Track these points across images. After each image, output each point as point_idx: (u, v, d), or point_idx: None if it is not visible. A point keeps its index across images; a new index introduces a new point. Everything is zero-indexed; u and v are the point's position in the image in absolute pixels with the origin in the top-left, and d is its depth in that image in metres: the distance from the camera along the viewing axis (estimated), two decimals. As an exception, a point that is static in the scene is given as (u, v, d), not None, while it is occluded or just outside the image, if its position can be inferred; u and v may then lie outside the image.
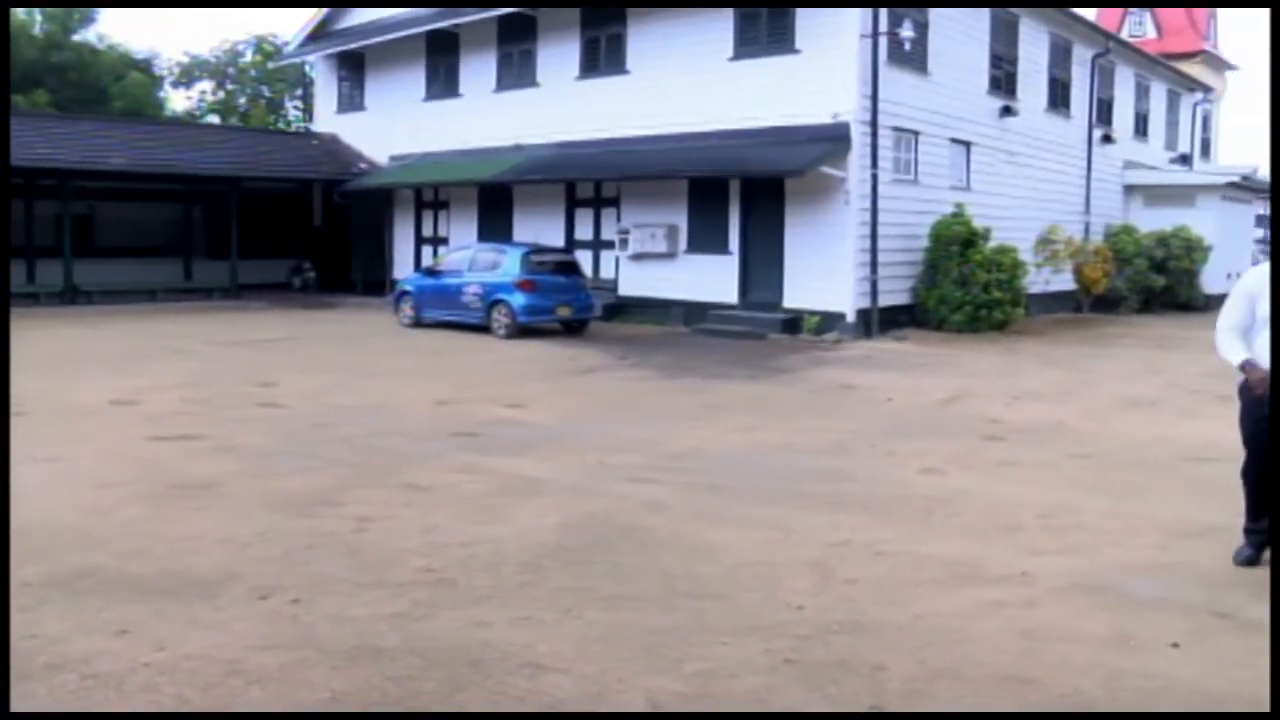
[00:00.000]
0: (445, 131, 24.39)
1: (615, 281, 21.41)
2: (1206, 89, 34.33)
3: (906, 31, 17.86)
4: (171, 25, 63.50)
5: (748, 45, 19.25)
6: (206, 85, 43.00)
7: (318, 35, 28.35)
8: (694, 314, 19.67)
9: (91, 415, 9.98)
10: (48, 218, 23.02)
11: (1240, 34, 64.53)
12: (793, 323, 18.39)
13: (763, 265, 19.20)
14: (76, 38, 36.92)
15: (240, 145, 27.47)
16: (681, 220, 20.37)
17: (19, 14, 33.89)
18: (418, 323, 19.48)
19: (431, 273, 19.91)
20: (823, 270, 18.22)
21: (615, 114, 20.90)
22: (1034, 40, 23.17)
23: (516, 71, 23.25)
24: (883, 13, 17.81)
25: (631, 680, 4.20)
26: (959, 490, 7.58)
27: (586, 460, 8.45)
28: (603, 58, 21.60)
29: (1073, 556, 6.00)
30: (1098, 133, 26.07)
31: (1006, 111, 22.02)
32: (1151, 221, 26.49)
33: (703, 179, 19.64)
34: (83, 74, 35.71)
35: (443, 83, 25.01)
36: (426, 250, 25.42)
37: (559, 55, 22.31)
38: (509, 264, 18.24)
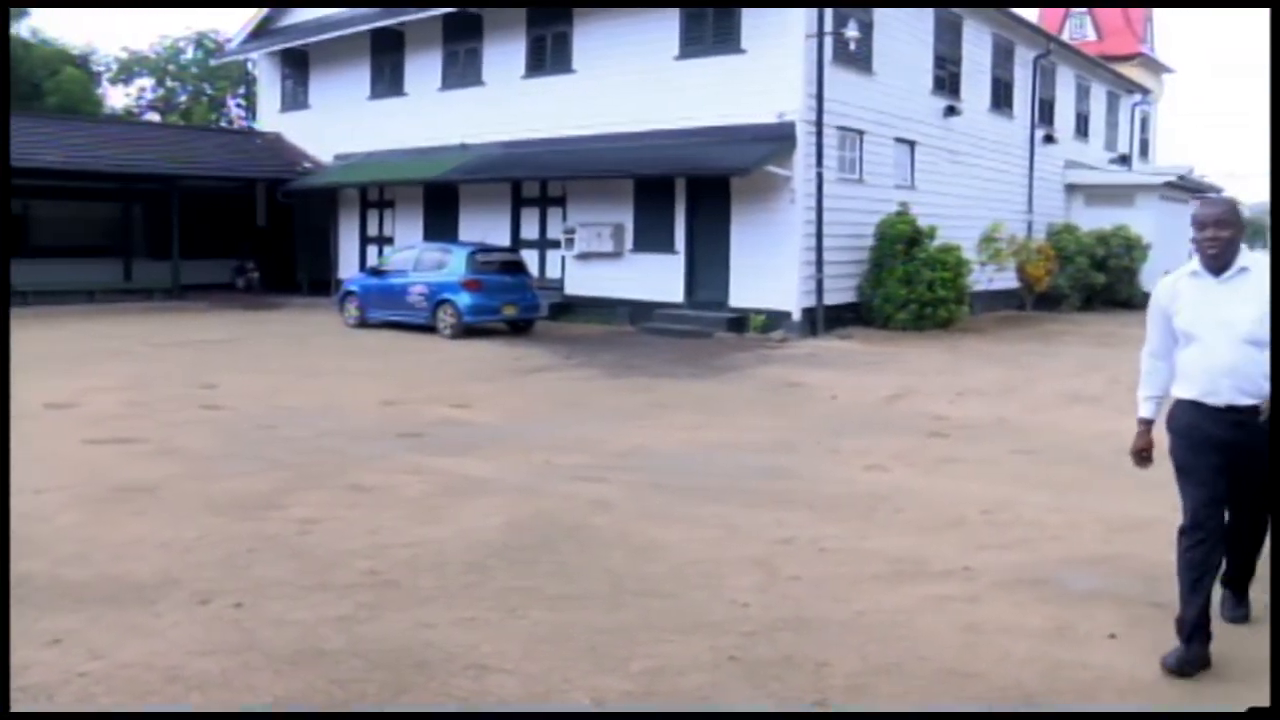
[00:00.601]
0: (390, 130, 24.19)
1: (561, 281, 21.36)
2: (1145, 91, 34.93)
3: (851, 32, 18.00)
4: (109, 21, 62.47)
5: (693, 45, 19.30)
6: (146, 82, 42.25)
7: (260, 33, 28.00)
8: (640, 313, 19.69)
9: (28, 419, 9.76)
10: (-22, 217, 22.52)
11: (1176, 38, 65.80)
12: (739, 321, 18.47)
13: (709, 264, 19.26)
14: (8, 31, 36.15)
15: (181, 143, 26.98)
16: (628, 219, 20.37)
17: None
18: (363, 323, 19.33)
19: (377, 273, 19.77)
20: (768, 269, 18.31)
21: (561, 113, 20.85)
22: (977, 41, 23.46)
23: (462, 70, 23.13)
24: (828, 13, 17.95)
25: (577, 679, 4.20)
26: (903, 487, 7.65)
27: (532, 460, 8.43)
28: (549, 57, 21.54)
29: (1015, 551, 6.08)
30: (1040, 133, 26.44)
31: (950, 111, 22.27)
32: (1092, 220, 26.93)
33: (649, 178, 19.66)
34: (15, 69, 34.93)
35: (388, 81, 24.82)
36: (372, 250, 25.19)
37: (505, 54, 22.21)
38: (454, 264, 18.16)
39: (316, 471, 7.89)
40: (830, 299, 18.45)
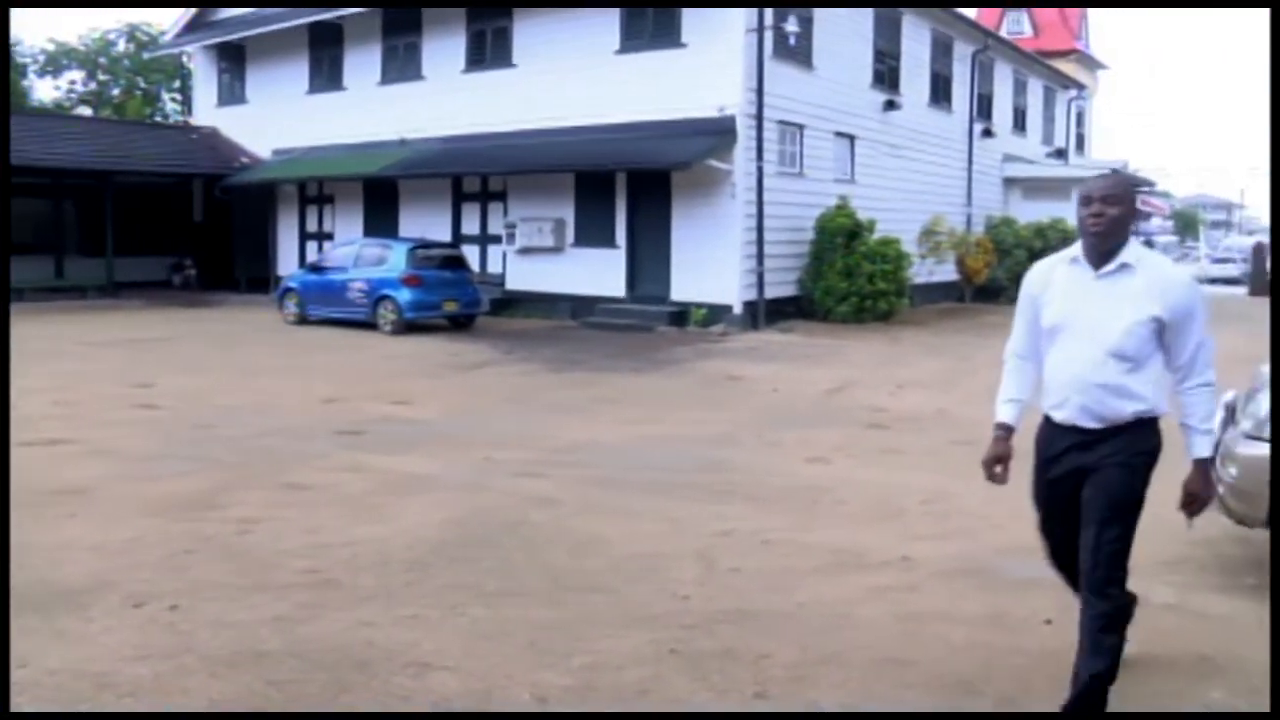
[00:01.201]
0: (329, 125, 23.93)
1: (502, 276, 21.28)
2: (1080, 86, 35.52)
3: (791, 26, 18.10)
4: (33, 10, 60.94)
5: (634, 39, 19.30)
6: (76, 75, 41.44)
7: (195, 26, 27.61)
8: (582, 308, 19.66)
9: (-46, 420, 9.55)
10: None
11: (1109, 35, 66.95)
12: (680, 315, 18.52)
13: (650, 258, 19.28)
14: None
15: (113, 138, 26.46)
16: (569, 214, 20.33)
17: None
18: (303, 320, 19.13)
19: (316, 269, 19.55)
20: (710, 263, 18.37)
21: (501, 108, 20.75)
22: (916, 36, 23.69)
23: (401, 64, 22.94)
24: (768, 9, 18.01)
25: (518, 676, 4.18)
26: (843, 478, 7.71)
27: (473, 456, 8.38)
28: (489, 51, 21.43)
29: (954, 540, 6.15)
30: (978, 127, 26.79)
31: (890, 105, 22.47)
32: (1030, 213, 27.35)
33: (589, 172, 19.64)
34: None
35: (326, 75, 24.54)
36: (311, 246, 24.93)
37: (444, 49, 22.07)
38: (395, 259, 18.02)
39: (255, 471, 7.78)
40: (771, 292, 18.55)
